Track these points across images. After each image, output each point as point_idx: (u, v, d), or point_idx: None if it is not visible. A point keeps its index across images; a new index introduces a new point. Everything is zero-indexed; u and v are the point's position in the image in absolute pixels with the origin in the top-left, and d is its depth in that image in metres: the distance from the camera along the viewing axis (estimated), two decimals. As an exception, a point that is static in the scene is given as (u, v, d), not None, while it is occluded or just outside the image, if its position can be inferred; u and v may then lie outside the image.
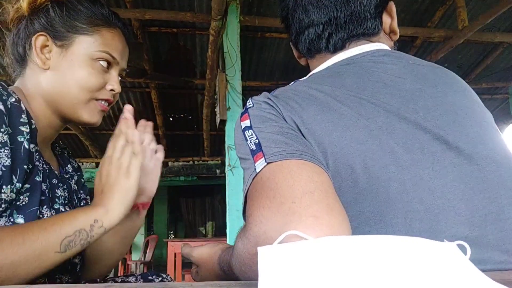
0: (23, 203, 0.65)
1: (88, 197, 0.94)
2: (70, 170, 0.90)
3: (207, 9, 3.49)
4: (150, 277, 0.91)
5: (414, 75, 0.59)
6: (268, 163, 0.47)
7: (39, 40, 0.74)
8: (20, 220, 0.64)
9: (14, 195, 0.62)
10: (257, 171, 0.48)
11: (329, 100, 0.55)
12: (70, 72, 0.75)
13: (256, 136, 0.52)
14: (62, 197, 0.78)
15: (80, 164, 0.97)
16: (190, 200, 10.96)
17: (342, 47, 0.66)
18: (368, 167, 0.50)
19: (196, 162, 8.15)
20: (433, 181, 0.50)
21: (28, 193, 0.66)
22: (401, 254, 0.31)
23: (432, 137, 0.52)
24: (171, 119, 6.30)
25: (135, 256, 8.65)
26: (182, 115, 6.29)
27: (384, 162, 0.50)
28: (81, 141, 6.44)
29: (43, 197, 0.69)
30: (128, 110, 0.73)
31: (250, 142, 0.52)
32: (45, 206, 0.69)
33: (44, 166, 0.73)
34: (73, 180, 0.89)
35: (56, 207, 0.74)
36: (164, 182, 8.77)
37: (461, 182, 0.50)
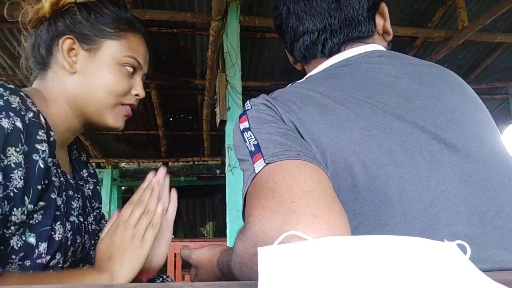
0: (36, 221, 0.63)
1: (101, 205, 0.92)
2: (85, 176, 0.88)
3: (207, 9, 3.49)
4: (150, 277, 0.91)
5: (411, 75, 0.60)
6: (267, 163, 0.47)
7: (66, 43, 0.73)
8: (31, 239, 0.62)
9: (25, 217, 0.61)
10: (256, 172, 0.48)
11: (327, 101, 0.56)
12: (98, 76, 0.74)
13: (254, 137, 0.52)
14: (77, 209, 0.76)
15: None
16: (190, 200, 10.95)
17: (337, 51, 0.67)
18: (366, 167, 0.50)
19: (196, 162, 8.14)
20: (432, 180, 0.50)
21: (42, 211, 0.64)
22: (401, 254, 0.32)
23: (430, 136, 0.53)
24: (171, 119, 6.30)
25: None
26: (182, 115, 6.29)
27: (382, 161, 0.50)
28: (81, 141, 6.44)
29: (58, 213, 0.68)
30: (161, 175, 0.74)
31: (249, 143, 0.52)
32: (58, 222, 0.68)
33: (60, 178, 0.72)
34: (88, 186, 0.87)
35: (71, 219, 0.73)
36: (164, 182, 8.76)
37: (460, 181, 0.50)
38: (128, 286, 0.56)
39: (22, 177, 0.59)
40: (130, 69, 0.77)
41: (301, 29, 0.68)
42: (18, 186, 0.58)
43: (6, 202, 0.56)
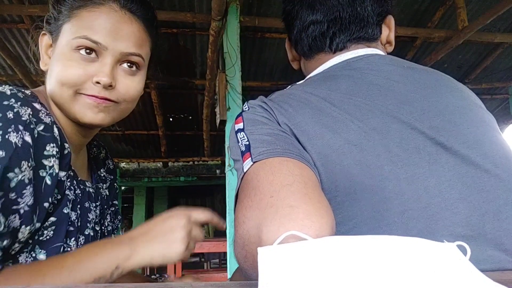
0: (47, 237, 0.60)
1: (116, 201, 0.89)
2: (102, 175, 0.83)
3: (207, 10, 3.50)
4: (153, 277, 0.92)
5: (409, 78, 0.60)
6: (254, 162, 0.48)
7: (43, 39, 0.69)
8: (42, 256, 0.59)
9: (29, 236, 0.57)
10: (244, 170, 0.49)
11: (323, 104, 0.56)
12: (54, 68, 0.64)
13: (247, 138, 0.53)
14: (94, 221, 0.73)
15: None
16: (190, 200, 10.96)
17: (342, 48, 0.67)
18: (363, 168, 0.50)
19: (196, 162, 8.15)
20: (429, 180, 0.50)
21: (53, 227, 0.61)
22: (401, 254, 0.32)
23: (427, 138, 0.53)
24: (171, 119, 6.30)
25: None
26: (182, 115, 6.29)
27: (379, 162, 0.50)
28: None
29: (71, 228, 0.64)
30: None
31: (241, 143, 0.53)
32: (72, 239, 0.65)
33: (76, 191, 0.68)
34: (105, 185, 0.83)
35: (86, 232, 0.70)
36: (164, 183, 8.78)
37: (458, 182, 0.50)
38: (128, 286, 0.56)
39: (32, 194, 0.56)
40: (86, 53, 0.63)
41: (311, 18, 0.68)
42: (29, 204, 0.55)
43: (17, 217, 0.53)
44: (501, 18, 4.02)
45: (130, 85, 0.68)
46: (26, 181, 0.54)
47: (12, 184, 0.52)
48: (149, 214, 10.28)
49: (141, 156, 7.74)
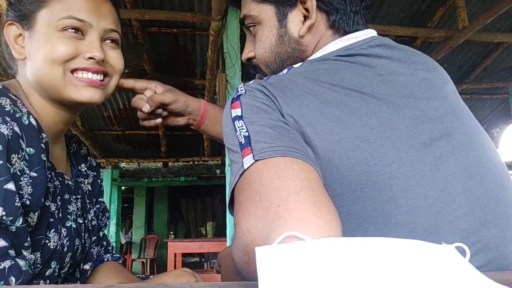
0: (29, 229, 0.61)
1: (101, 198, 0.89)
2: (84, 170, 0.84)
3: (207, 9, 3.49)
4: (151, 277, 0.92)
5: (408, 66, 0.59)
6: (256, 160, 0.45)
7: (10, 30, 0.69)
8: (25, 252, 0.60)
9: (36, 220, 0.61)
10: (245, 167, 0.46)
11: (330, 96, 0.53)
12: (39, 51, 0.65)
13: (246, 128, 0.49)
14: (74, 213, 0.74)
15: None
16: (190, 200, 10.96)
17: (348, 33, 0.64)
18: (370, 165, 0.49)
19: (196, 162, 8.14)
20: (436, 176, 0.49)
21: (36, 220, 0.63)
22: (400, 255, 0.32)
23: (433, 131, 0.52)
24: (171, 119, 6.29)
25: (135, 255, 8.69)
26: (182, 115, 6.28)
27: (387, 159, 0.49)
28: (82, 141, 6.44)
29: (51, 220, 0.66)
30: None
31: (240, 134, 0.49)
32: (52, 230, 0.66)
33: (55, 182, 0.69)
34: (86, 181, 0.84)
35: (68, 224, 0.71)
36: (164, 183, 8.78)
37: (462, 174, 0.51)
38: (128, 286, 0.56)
39: (29, 183, 0.58)
40: (73, 32, 0.66)
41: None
42: (29, 192, 0.57)
43: (23, 211, 0.56)
44: (501, 18, 4.02)
45: (117, 57, 0.73)
46: (18, 173, 0.56)
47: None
48: (149, 214, 10.29)
49: (141, 156, 7.74)
